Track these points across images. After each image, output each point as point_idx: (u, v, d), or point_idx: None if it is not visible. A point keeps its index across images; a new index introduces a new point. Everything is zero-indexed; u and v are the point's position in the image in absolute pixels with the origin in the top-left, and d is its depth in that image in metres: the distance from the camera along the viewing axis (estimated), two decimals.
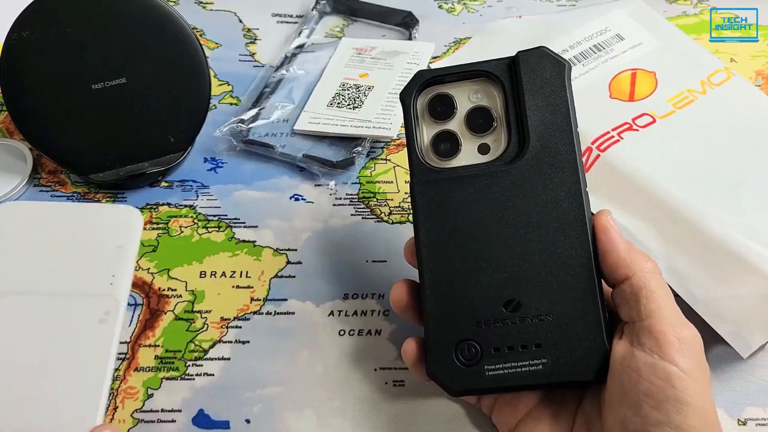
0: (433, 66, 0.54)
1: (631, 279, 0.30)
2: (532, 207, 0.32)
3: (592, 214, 0.33)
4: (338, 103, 0.51)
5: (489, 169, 0.33)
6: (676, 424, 0.27)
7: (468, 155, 0.34)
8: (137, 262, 0.43)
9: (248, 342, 0.40)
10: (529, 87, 0.33)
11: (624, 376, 0.29)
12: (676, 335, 0.29)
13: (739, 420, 0.37)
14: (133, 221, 0.40)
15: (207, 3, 0.61)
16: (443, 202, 0.33)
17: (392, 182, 0.48)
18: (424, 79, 0.35)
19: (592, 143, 0.43)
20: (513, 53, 0.51)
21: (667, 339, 0.29)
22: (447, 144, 0.34)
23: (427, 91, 0.35)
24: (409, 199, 0.47)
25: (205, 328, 0.41)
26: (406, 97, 0.35)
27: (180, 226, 0.45)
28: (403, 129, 0.35)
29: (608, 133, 0.44)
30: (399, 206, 0.47)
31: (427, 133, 0.35)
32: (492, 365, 0.31)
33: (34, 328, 0.36)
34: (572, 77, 0.48)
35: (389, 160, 0.50)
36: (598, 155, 0.43)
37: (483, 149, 0.34)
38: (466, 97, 0.35)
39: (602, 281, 0.32)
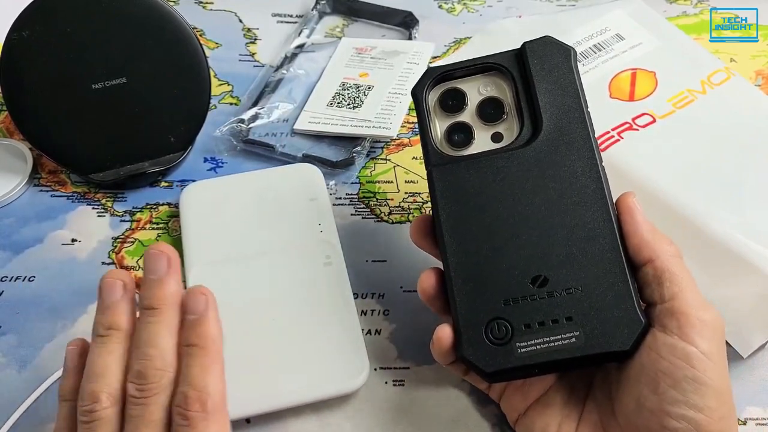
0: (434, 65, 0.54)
1: (655, 262, 0.30)
2: (550, 184, 0.33)
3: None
4: (338, 103, 0.51)
5: (505, 152, 0.34)
6: (693, 403, 0.27)
7: (482, 143, 0.35)
8: (137, 261, 0.43)
9: None
10: (538, 73, 0.34)
11: (643, 355, 0.29)
12: (698, 317, 0.29)
13: (739, 420, 0.37)
14: (313, 175, 0.45)
15: (207, 3, 0.61)
16: (461, 185, 0.33)
17: (392, 182, 0.48)
18: (434, 75, 0.36)
19: None
20: None
21: (689, 321, 0.29)
22: (461, 134, 0.35)
23: (438, 87, 0.36)
24: (409, 199, 0.47)
25: None
26: (418, 92, 0.35)
27: (180, 226, 0.45)
28: (414, 125, 0.36)
29: (608, 132, 0.44)
30: (399, 206, 0.47)
31: (440, 126, 0.36)
32: (523, 342, 0.31)
33: (275, 285, 0.40)
34: None
35: (389, 159, 0.50)
36: None
37: (496, 138, 0.35)
38: (476, 90, 0.36)
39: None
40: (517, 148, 0.34)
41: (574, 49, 0.35)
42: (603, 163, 0.33)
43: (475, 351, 0.31)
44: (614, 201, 0.33)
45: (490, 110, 0.35)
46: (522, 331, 0.31)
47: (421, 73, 0.36)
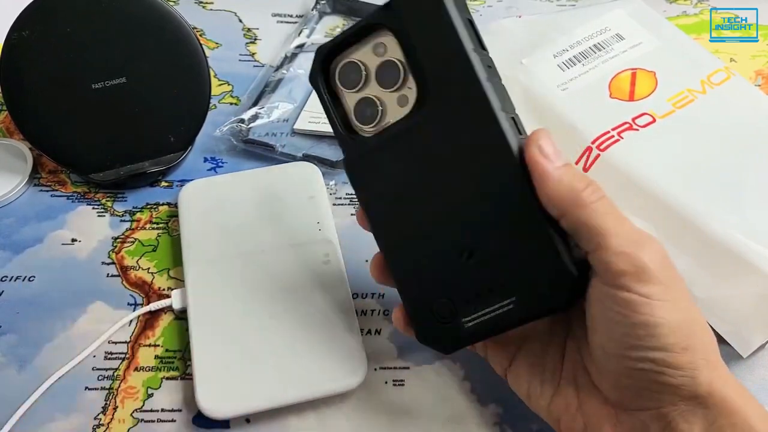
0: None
1: (566, 217, 0.28)
2: (454, 150, 0.30)
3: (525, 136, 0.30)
4: None
5: (408, 123, 0.31)
6: (650, 345, 0.27)
7: (392, 111, 0.32)
8: (137, 261, 0.43)
9: None
10: (411, 24, 0.31)
11: (593, 306, 0.29)
12: (627, 263, 0.27)
13: None
14: (312, 174, 0.45)
15: (207, 3, 0.61)
16: (376, 174, 0.33)
17: None
18: (323, 55, 0.33)
19: (592, 143, 0.43)
20: (513, 53, 0.51)
21: (618, 270, 0.27)
22: (368, 109, 0.33)
23: (334, 64, 0.34)
24: None
25: None
26: (313, 78, 0.34)
27: (179, 225, 0.45)
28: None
29: (608, 132, 0.44)
30: None
31: (347, 105, 0.34)
32: (468, 317, 0.31)
33: (273, 283, 0.40)
34: (572, 77, 0.48)
35: None
36: (598, 155, 0.43)
37: (401, 101, 0.32)
38: (371, 56, 0.33)
39: None
40: (417, 117, 0.31)
41: None
42: (511, 110, 0.30)
43: (429, 336, 0.32)
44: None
45: (387, 75, 0.32)
46: (464, 306, 0.31)
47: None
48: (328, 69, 0.34)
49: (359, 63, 0.33)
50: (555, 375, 0.32)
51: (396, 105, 0.32)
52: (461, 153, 0.30)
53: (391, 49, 0.32)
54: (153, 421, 0.37)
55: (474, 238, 0.31)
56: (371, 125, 0.33)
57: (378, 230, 0.33)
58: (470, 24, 0.30)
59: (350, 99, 0.33)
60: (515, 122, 0.30)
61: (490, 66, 0.30)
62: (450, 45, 0.29)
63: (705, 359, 0.27)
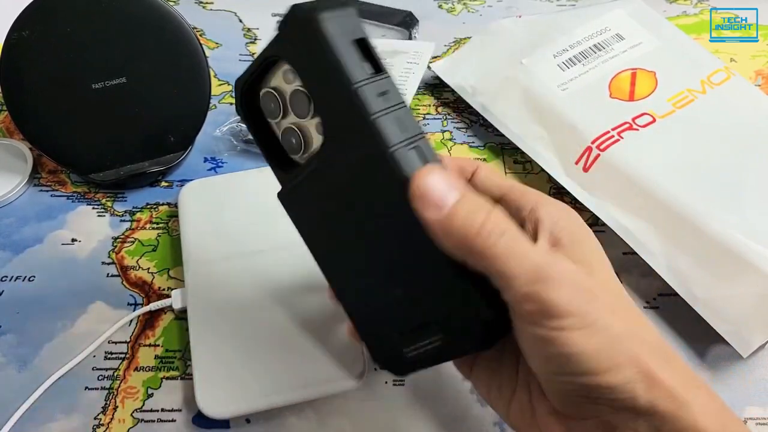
0: (434, 65, 0.54)
1: (468, 263, 0.27)
2: (357, 190, 0.28)
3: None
4: None
5: (321, 156, 0.29)
6: (573, 371, 0.26)
7: (316, 140, 0.31)
8: (137, 261, 0.43)
9: None
10: (297, 55, 0.28)
11: (516, 334, 0.28)
12: (534, 304, 0.26)
13: None
14: None
15: (207, 3, 0.61)
16: (303, 207, 0.32)
17: None
18: (241, 86, 0.32)
19: (592, 143, 0.43)
20: (513, 53, 0.51)
21: (526, 311, 0.26)
22: (292, 138, 0.31)
23: (259, 94, 0.32)
24: None
25: None
26: (238, 111, 0.32)
27: (179, 224, 0.45)
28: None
29: (608, 132, 0.44)
30: None
31: (277, 134, 0.32)
32: (407, 347, 0.31)
33: (273, 283, 0.40)
34: (572, 77, 0.48)
35: None
36: (598, 155, 0.43)
37: (320, 129, 0.30)
38: (284, 84, 0.31)
39: None
40: (325, 148, 0.29)
41: (320, 15, 0.26)
42: (405, 142, 0.27)
43: (381, 359, 0.32)
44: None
45: (298, 104, 0.30)
46: (403, 338, 0.31)
47: (235, 90, 0.32)
48: (254, 99, 0.32)
49: (275, 92, 0.31)
50: (511, 381, 0.31)
51: (317, 133, 0.30)
52: (362, 194, 0.28)
53: (296, 77, 0.30)
54: (153, 421, 0.37)
55: (395, 278, 0.30)
56: (299, 155, 0.31)
57: (316, 259, 0.33)
58: (361, 44, 0.27)
59: (277, 128, 0.32)
60: (417, 153, 0.27)
61: (384, 92, 0.27)
62: (332, 79, 0.27)
63: (640, 373, 0.26)
